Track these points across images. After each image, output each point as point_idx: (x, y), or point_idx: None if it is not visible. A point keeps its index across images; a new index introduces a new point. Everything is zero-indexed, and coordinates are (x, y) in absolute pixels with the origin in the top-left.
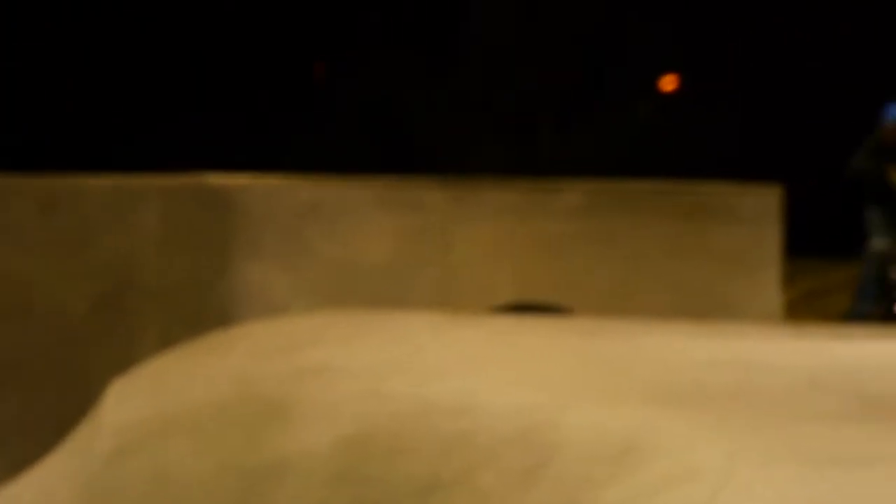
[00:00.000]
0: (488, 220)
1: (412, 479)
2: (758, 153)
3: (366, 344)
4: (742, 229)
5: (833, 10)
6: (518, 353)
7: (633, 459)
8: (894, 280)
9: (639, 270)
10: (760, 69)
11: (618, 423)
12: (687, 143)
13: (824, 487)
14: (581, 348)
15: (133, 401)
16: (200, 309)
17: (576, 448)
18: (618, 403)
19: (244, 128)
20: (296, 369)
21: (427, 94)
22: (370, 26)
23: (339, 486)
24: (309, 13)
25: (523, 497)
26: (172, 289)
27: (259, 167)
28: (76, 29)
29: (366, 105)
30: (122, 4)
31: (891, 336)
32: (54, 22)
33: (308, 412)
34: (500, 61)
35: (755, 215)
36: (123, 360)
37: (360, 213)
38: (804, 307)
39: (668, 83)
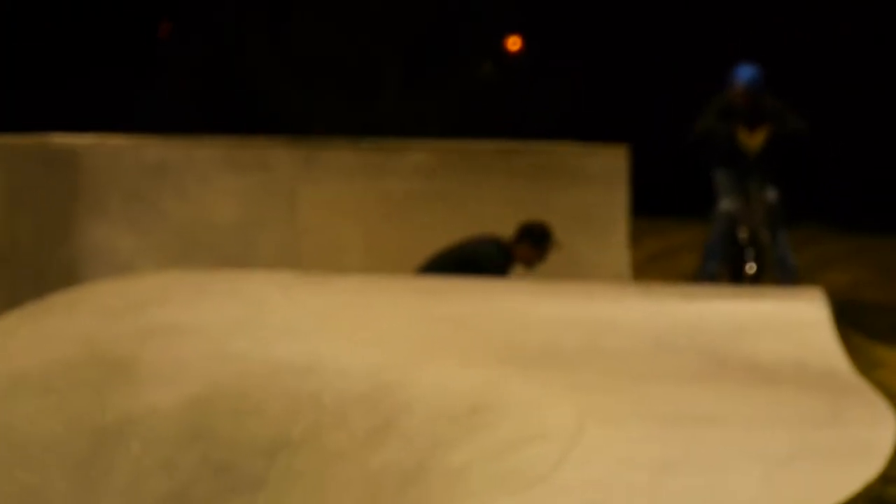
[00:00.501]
0: (335, 181)
1: (259, 438)
2: (604, 114)
3: (212, 304)
4: (588, 190)
5: None
6: (365, 313)
7: (482, 419)
8: (742, 241)
9: (485, 230)
10: (605, 29)
11: (466, 384)
12: (533, 103)
13: (672, 446)
14: (429, 308)
15: None
16: (46, 269)
17: (424, 408)
18: (466, 363)
19: (89, 88)
20: (142, 329)
21: (272, 54)
22: None
23: (186, 446)
24: None
25: (371, 457)
26: (18, 249)
27: (105, 127)
28: None
29: (211, 65)
30: None
31: (736, 296)
32: None
33: (154, 372)
34: (343, 20)
35: (601, 176)
36: None
37: (207, 174)
38: (651, 267)
39: (514, 43)
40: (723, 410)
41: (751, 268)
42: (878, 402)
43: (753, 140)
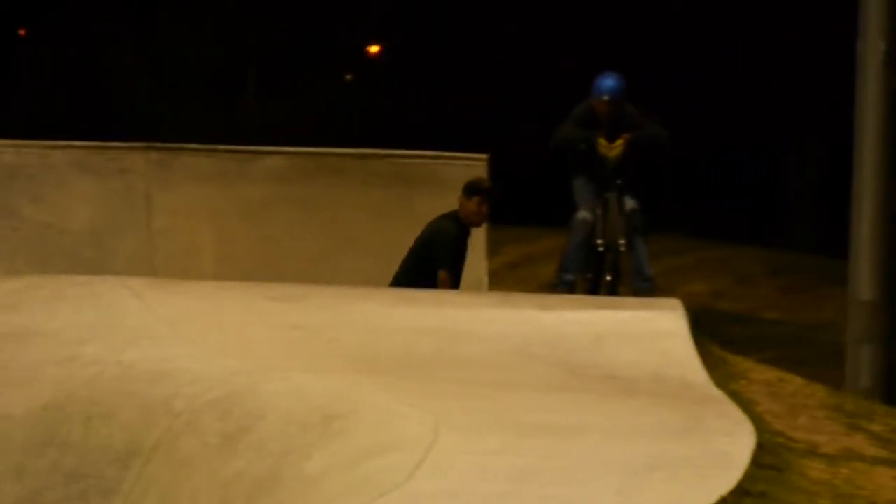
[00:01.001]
0: (190, 186)
1: (112, 445)
2: (464, 122)
3: (66, 309)
4: (448, 197)
5: None
6: (220, 319)
7: (336, 427)
8: (600, 250)
9: (340, 236)
10: (466, 40)
11: (321, 391)
12: (392, 110)
13: (528, 455)
14: (283, 315)
15: None
16: None
17: (277, 415)
18: (321, 371)
19: None
20: None
21: (132, 58)
22: None
23: (37, 452)
24: None
25: (224, 465)
26: None
27: None
28: None
29: (70, 68)
30: None
31: (595, 306)
32: None
33: (6, 377)
34: (204, 26)
35: (461, 183)
36: None
37: (63, 177)
38: (510, 276)
39: (375, 51)
40: (580, 421)
41: (609, 278)
42: (735, 414)
43: (613, 149)
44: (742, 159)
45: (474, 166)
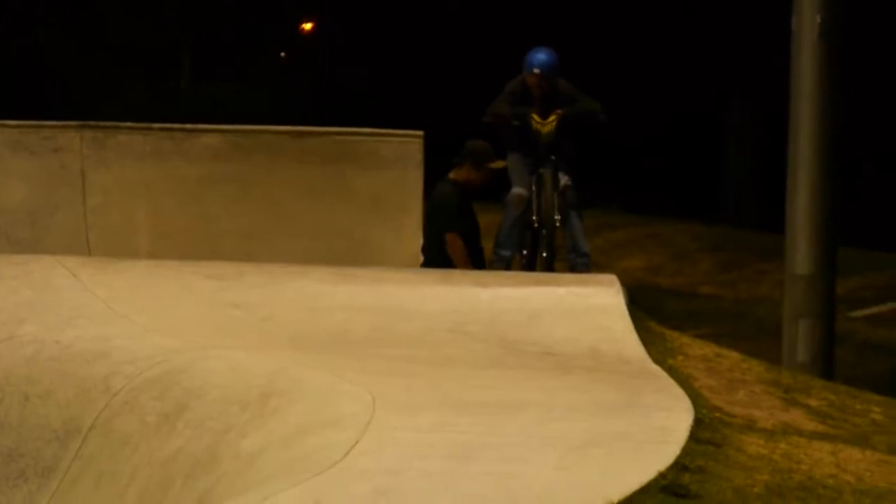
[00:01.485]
0: (127, 164)
1: (50, 424)
2: (398, 99)
3: (2, 288)
4: (383, 174)
5: None
6: (157, 298)
7: (274, 405)
8: (535, 226)
9: (277, 214)
10: (400, 18)
11: (258, 369)
12: (328, 88)
13: (467, 432)
14: (221, 293)
15: None
16: None
17: (216, 394)
18: (258, 349)
19: None
20: None
21: (67, 37)
22: None
23: None
24: None
25: (162, 443)
26: None
27: None
28: None
29: (2, 47)
30: None
31: (531, 283)
32: None
33: None
34: (140, 5)
35: (396, 161)
36: None
37: None
38: None
39: (309, 28)
40: (518, 397)
41: (544, 254)
42: (673, 389)
43: (546, 125)
44: (679, 135)
45: (409, 143)
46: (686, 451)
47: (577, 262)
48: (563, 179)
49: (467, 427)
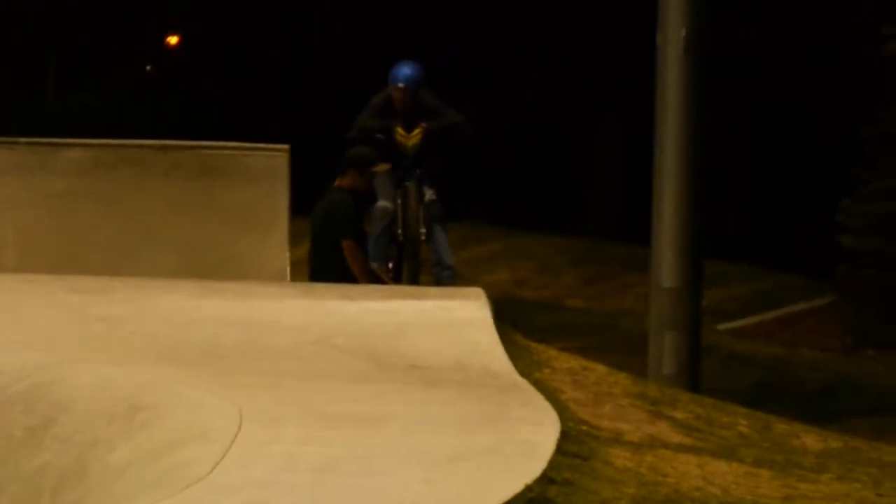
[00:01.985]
0: None
1: None
2: (264, 113)
3: None
4: (250, 188)
5: None
6: (23, 312)
7: (141, 419)
8: (400, 239)
9: (143, 228)
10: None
11: (125, 383)
12: (194, 102)
13: (333, 446)
14: (87, 307)
15: None
16: None
17: (82, 408)
18: (126, 362)
19: None
20: None
21: None
22: None
23: None
24: None
25: (29, 458)
26: None
27: None
28: None
29: None
30: None
31: (397, 296)
32: None
33: None
34: (1, 14)
35: (262, 175)
36: None
37: None
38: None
39: (174, 42)
40: (384, 410)
41: (410, 267)
42: (540, 402)
43: (411, 139)
44: (543, 147)
45: (276, 157)
46: (553, 465)
47: (443, 276)
48: (428, 193)
49: (334, 440)
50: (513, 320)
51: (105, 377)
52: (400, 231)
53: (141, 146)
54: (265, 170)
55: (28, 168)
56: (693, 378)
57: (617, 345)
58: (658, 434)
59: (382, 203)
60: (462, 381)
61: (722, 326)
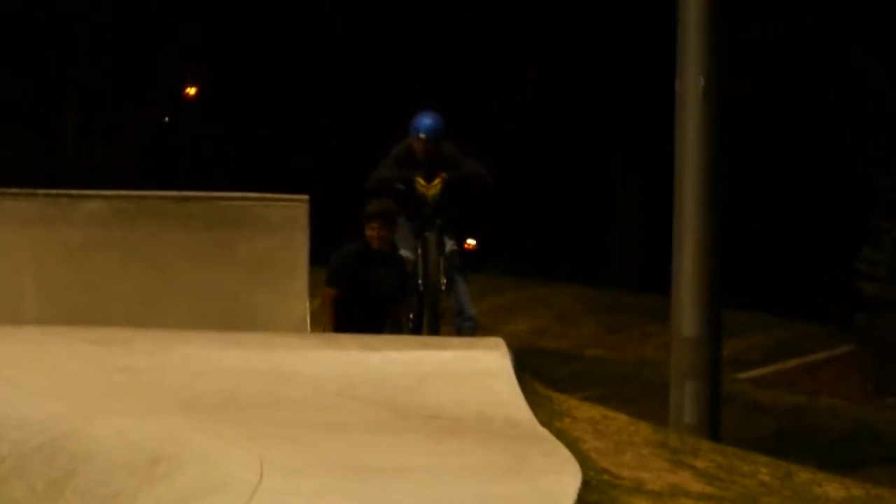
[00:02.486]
0: (11, 229)
1: None
2: (283, 164)
3: None
4: (268, 239)
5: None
6: (44, 363)
7: (162, 470)
8: (420, 289)
9: (162, 279)
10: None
11: (146, 434)
12: (212, 152)
13: (353, 497)
14: (106, 358)
15: None
16: None
17: (104, 459)
18: (145, 414)
19: None
20: None
21: None
22: None
23: None
24: None
25: None
26: None
27: None
28: None
29: None
30: None
31: (418, 346)
32: None
33: None
34: (21, 68)
35: (282, 226)
36: None
37: None
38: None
39: (192, 93)
40: (405, 461)
41: (430, 317)
42: (561, 452)
43: (431, 189)
44: (560, 198)
45: (295, 208)
46: None
47: (464, 326)
48: (449, 243)
49: (355, 491)
50: (533, 370)
51: (125, 428)
52: (420, 281)
53: (160, 197)
54: (284, 220)
55: (48, 219)
56: (714, 427)
57: (637, 394)
58: (679, 483)
59: (403, 253)
60: (483, 431)
61: (742, 375)
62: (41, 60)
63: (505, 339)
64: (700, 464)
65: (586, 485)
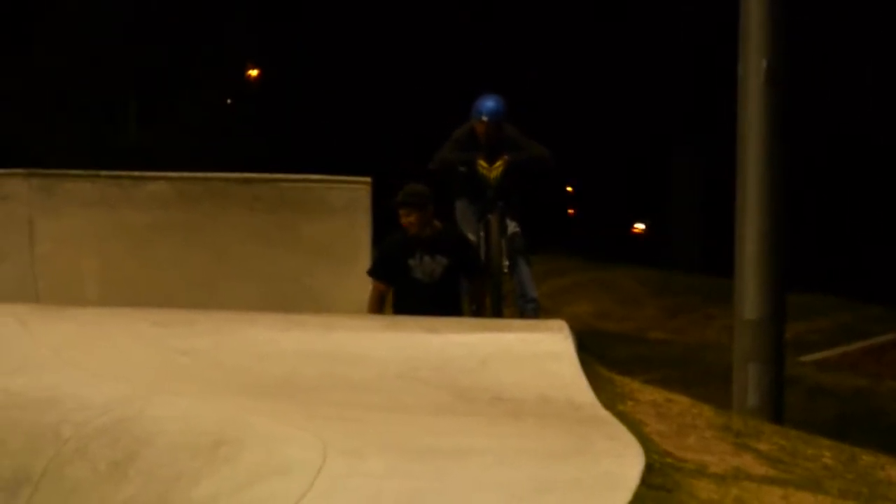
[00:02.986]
0: (73, 212)
1: (0, 473)
2: (345, 146)
3: None
4: (331, 221)
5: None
6: (105, 345)
7: (225, 453)
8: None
9: (226, 260)
10: (345, 64)
11: (208, 416)
12: (275, 134)
13: (416, 479)
14: (170, 340)
15: None
16: None
17: (166, 441)
18: (209, 396)
19: None
20: None
21: (8, 86)
22: None
23: None
24: None
25: (114, 492)
26: None
27: None
28: None
29: None
30: None
31: (480, 328)
32: None
33: None
34: (83, 50)
35: (345, 208)
36: None
37: None
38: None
39: (255, 75)
40: (468, 443)
41: (493, 299)
42: (623, 435)
43: (493, 171)
44: (625, 179)
45: (358, 190)
46: (637, 497)
47: (527, 308)
48: (511, 225)
49: (417, 474)
50: (595, 352)
51: (187, 410)
52: (483, 264)
53: (224, 179)
54: (347, 202)
55: (111, 201)
56: (777, 410)
57: (700, 377)
58: (742, 466)
59: (467, 235)
60: (545, 413)
61: (805, 358)
62: (101, 44)
63: (567, 321)
64: (763, 447)
65: (649, 468)
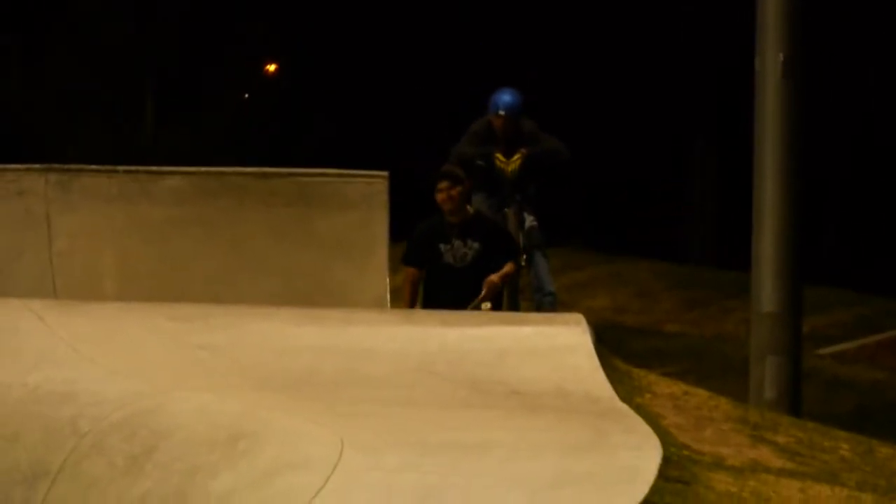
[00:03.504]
0: (91, 207)
1: (18, 466)
2: (364, 140)
3: None
4: (349, 215)
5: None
6: (123, 340)
7: (242, 447)
8: None
9: (243, 255)
10: (362, 58)
11: (225, 410)
12: (292, 128)
13: (433, 473)
14: (187, 335)
15: None
16: None
17: (183, 435)
18: (226, 390)
19: None
20: None
21: (26, 85)
22: None
23: None
24: None
25: (131, 485)
26: None
27: None
28: None
29: None
30: None
31: (497, 322)
32: None
33: None
34: (97, 49)
35: (362, 202)
36: None
37: None
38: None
39: (272, 70)
40: (485, 437)
41: (510, 293)
42: (641, 428)
43: (510, 165)
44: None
45: (375, 184)
46: (655, 490)
47: (544, 302)
48: (529, 219)
49: (435, 468)
50: (613, 346)
51: (205, 405)
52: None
53: (241, 173)
54: (364, 196)
55: (128, 196)
56: (794, 402)
57: (717, 370)
58: (760, 458)
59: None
60: (563, 407)
61: (823, 351)
62: (119, 41)
63: (584, 314)
64: (780, 439)
65: (667, 460)
